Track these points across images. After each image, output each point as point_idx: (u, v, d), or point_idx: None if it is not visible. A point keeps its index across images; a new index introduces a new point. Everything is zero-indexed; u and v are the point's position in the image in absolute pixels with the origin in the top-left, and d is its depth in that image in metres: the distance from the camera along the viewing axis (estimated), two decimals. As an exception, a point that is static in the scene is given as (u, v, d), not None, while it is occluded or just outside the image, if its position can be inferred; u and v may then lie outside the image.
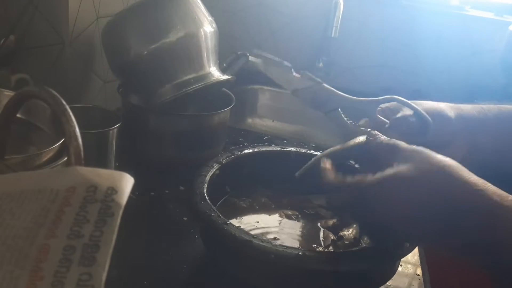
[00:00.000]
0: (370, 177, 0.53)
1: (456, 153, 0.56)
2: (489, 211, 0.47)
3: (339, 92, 0.65)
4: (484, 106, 0.65)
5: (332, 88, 0.65)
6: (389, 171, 0.52)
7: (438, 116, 0.63)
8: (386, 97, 0.64)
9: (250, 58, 0.69)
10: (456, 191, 0.49)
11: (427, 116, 0.61)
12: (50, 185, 0.33)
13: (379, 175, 0.52)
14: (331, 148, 0.60)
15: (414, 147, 0.53)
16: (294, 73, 0.67)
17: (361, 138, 0.59)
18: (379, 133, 0.58)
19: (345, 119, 0.64)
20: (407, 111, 0.63)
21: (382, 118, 0.64)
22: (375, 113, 0.63)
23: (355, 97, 0.65)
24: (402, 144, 0.55)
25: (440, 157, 0.51)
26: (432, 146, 0.53)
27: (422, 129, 0.61)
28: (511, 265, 0.47)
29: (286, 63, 0.67)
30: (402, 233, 0.54)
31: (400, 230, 0.53)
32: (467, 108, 0.65)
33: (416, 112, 0.61)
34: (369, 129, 0.60)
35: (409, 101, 0.62)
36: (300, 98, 0.66)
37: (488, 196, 0.47)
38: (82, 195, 0.32)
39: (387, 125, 0.62)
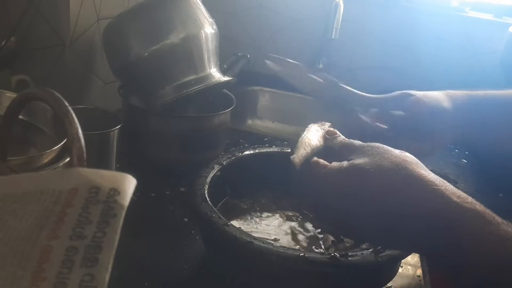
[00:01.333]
0: (328, 167, 0.51)
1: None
2: (448, 212, 0.44)
3: (355, 91, 0.65)
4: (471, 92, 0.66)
5: (349, 87, 0.65)
6: (346, 163, 0.50)
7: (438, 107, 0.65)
8: (398, 92, 0.65)
9: (267, 62, 0.69)
10: (411, 188, 0.46)
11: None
12: (52, 186, 0.34)
13: (336, 165, 0.51)
14: (302, 152, 0.57)
15: (371, 143, 0.52)
16: (311, 75, 0.67)
17: (315, 128, 0.59)
18: (337, 132, 0.57)
19: (364, 118, 0.64)
20: None
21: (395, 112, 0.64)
22: (390, 109, 0.64)
23: (371, 95, 0.66)
24: (358, 142, 0.54)
25: (397, 152, 0.49)
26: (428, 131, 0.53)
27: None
28: (468, 268, 0.44)
29: (302, 65, 0.67)
30: (351, 228, 0.52)
31: (349, 224, 0.51)
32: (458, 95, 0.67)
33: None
34: (329, 129, 0.59)
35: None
36: (318, 99, 0.66)
37: (448, 197, 0.45)
38: (85, 196, 0.32)
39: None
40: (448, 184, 0.47)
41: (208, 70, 0.87)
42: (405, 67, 1.43)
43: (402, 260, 0.68)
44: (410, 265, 0.72)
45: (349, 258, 0.57)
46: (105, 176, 0.33)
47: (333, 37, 1.35)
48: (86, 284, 0.28)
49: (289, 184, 0.70)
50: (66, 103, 0.36)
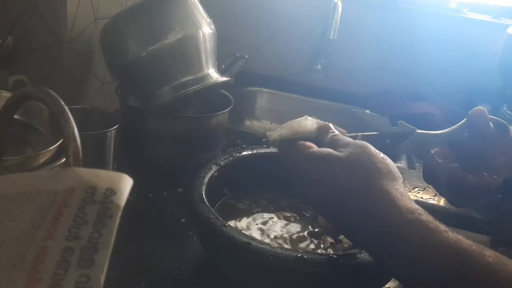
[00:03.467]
0: (311, 149, 0.55)
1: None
2: (393, 221, 0.47)
3: (431, 132, 0.66)
4: None
5: (426, 131, 0.66)
6: (326, 151, 0.54)
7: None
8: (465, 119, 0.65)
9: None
10: (366, 194, 0.49)
11: (502, 120, 0.63)
12: (48, 187, 0.33)
13: (317, 150, 0.55)
14: (281, 131, 0.61)
15: (358, 141, 0.55)
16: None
17: (309, 122, 0.61)
18: (332, 128, 0.60)
19: (438, 159, 0.65)
20: None
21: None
22: (462, 137, 0.64)
23: (444, 130, 0.66)
24: (347, 138, 0.57)
25: (377, 157, 0.52)
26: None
27: (500, 132, 0.63)
28: (413, 274, 0.47)
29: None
30: (320, 212, 0.58)
31: (318, 209, 0.57)
32: None
33: (491, 119, 0.63)
34: (324, 124, 0.61)
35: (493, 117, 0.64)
36: (398, 150, 0.67)
37: (397, 208, 0.48)
38: (81, 196, 0.32)
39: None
40: (406, 198, 0.49)
41: (206, 70, 0.87)
42: (404, 68, 1.43)
43: (401, 261, 0.68)
44: (408, 266, 0.72)
45: (347, 259, 0.57)
46: (102, 176, 0.33)
47: (331, 37, 1.35)
48: (82, 286, 0.28)
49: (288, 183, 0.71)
50: (62, 103, 0.36)
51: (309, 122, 0.61)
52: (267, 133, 0.62)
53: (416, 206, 0.48)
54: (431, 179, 0.65)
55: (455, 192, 0.62)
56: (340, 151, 0.53)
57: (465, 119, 0.64)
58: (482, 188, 0.61)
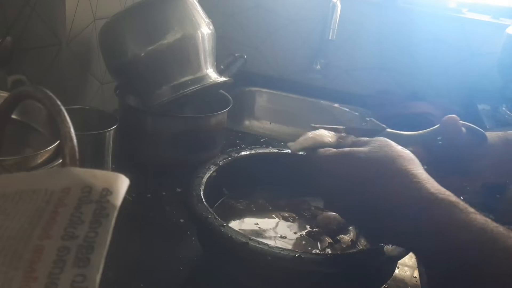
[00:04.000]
0: (330, 151, 0.57)
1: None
2: (422, 200, 0.48)
3: (401, 132, 0.67)
4: (491, 133, 0.67)
5: (396, 131, 0.67)
6: (346, 149, 0.57)
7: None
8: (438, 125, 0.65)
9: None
10: (394, 179, 0.51)
11: (480, 129, 0.64)
12: (45, 186, 0.33)
13: (337, 150, 0.57)
14: (301, 141, 0.64)
15: (378, 137, 0.57)
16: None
17: (326, 133, 0.64)
18: (349, 135, 0.63)
19: None
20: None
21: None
22: (435, 142, 0.65)
23: (416, 132, 0.67)
24: (366, 138, 0.59)
25: (398, 148, 0.54)
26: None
27: (475, 141, 0.64)
28: (442, 254, 0.47)
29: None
30: (337, 206, 0.59)
31: (336, 202, 0.57)
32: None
33: (468, 127, 0.64)
34: (342, 132, 0.64)
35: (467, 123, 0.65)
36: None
37: (425, 188, 0.49)
38: (77, 196, 0.32)
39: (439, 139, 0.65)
40: (431, 179, 0.51)
41: (205, 70, 0.87)
42: (403, 68, 1.43)
43: (399, 261, 0.68)
44: (407, 266, 0.72)
45: (345, 259, 0.57)
46: (98, 176, 0.33)
47: (330, 38, 1.35)
48: (78, 285, 0.28)
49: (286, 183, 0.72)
50: (59, 102, 0.36)
51: (327, 134, 0.64)
52: (288, 144, 0.65)
53: (445, 189, 0.49)
54: None
55: None
56: (359, 148, 0.55)
57: (438, 124, 0.65)
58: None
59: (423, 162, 0.60)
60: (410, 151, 0.57)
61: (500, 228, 0.45)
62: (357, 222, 0.62)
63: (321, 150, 0.59)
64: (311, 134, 0.64)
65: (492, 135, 0.67)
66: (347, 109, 0.70)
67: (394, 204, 0.50)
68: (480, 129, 0.64)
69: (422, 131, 0.66)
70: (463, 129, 0.63)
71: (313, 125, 0.66)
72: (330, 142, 0.62)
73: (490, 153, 0.64)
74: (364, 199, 0.53)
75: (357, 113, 0.65)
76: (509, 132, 0.68)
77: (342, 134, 0.64)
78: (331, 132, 0.64)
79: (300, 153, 0.64)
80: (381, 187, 0.51)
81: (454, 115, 0.64)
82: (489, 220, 0.46)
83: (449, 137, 0.63)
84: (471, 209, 0.47)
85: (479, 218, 0.46)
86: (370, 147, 0.55)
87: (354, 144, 0.59)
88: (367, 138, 0.58)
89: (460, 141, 0.63)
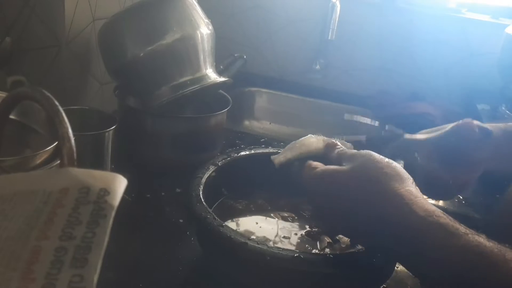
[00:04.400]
0: (316, 169, 0.56)
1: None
2: (412, 225, 0.47)
3: (418, 137, 0.68)
4: (492, 125, 0.68)
5: (413, 136, 0.68)
6: (329, 168, 0.56)
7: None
8: (451, 127, 0.66)
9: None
10: (380, 202, 0.50)
11: (488, 128, 0.65)
12: (42, 187, 0.33)
13: (321, 169, 0.56)
14: (286, 154, 0.65)
15: (362, 151, 0.56)
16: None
17: (312, 137, 0.63)
18: (338, 144, 0.62)
19: (418, 160, 0.66)
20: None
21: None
22: (449, 143, 0.66)
23: (430, 135, 0.67)
24: (352, 151, 0.59)
25: (383, 163, 0.53)
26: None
27: (482, 138, 0.65)
28: (440, 280, 0.47)
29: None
30: (331, 227, 0.60)
31: (329, 224, 0.58)
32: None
33: (480, 128, 0.65)
34: (330, 141, 0.64)
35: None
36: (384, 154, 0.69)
37: (414, 212, 0.48)
38: (75, 196, 0.32)
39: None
40: (420, 198, 0.49)
41: (204, 70, 0.87)
42: (402, 68, 1.43)
43: (398, 261, 0.68)
44: (406, 266, 0.72)
45: (345, 259, 0.57)
46: (96, 176, 0.33)
47: (330, 38, 1.35)
48: (75, 285, 0.28)
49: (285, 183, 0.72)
50: (57, 103, 0.36)
51: (314, 140, 0.63)
52: (272, 157, 0.65)
53: (433, 208, 0.48)
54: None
55: (429, 189, 0.63)
56: (345, 165, 0.55)
57: (451, 126, 0.65)
58: (457, 186, 0.64)
59: (432, 162, 0.60)
60: (419, 154, 0.57)
61: (495, 250, 0.44)
62: (350, 238, 0.63)
63: (307, 167, 0.58)
64: (297, 143, 0.63)
65: (493, 127, 0.67)
66: (367, 121, 0.71)
67: (385, 225, 0.49)
68: (488, 128, 0.65)
69: (437, 133, 0.67)
70: (477, 129, 0.64)
71: (335, 139, 0.65)
72: (317, 150, 0.61)
73: (491, 143, 0.65)
74: (354, 219, 0.52)
75: (376, 123, 0.65)
76: (509, 124, 0.68)
77: (333, 141, 0.63)
78: (319, 137, 0.64)
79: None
80: (367, 208, 0.51)
81: (469, 119, 0.64)
82: (482, 241, 0.45)
83: (464, 139, 0.64)
84: (462, 229, 0.46)
85: (472, 240, 0.45)
86: (353, 165, 0.54)
87: (339, 158, 0.58)
88: (352, 152, 0.58)
89: (473, 142, 0.64)
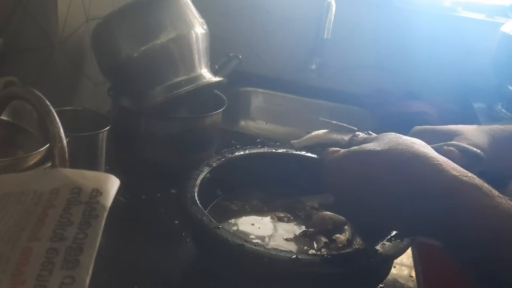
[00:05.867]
0: (338, 151, 0.55)
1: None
2: (446, 183, 0.47)
3: None
4: (491, 127, 0.67)
5: None
6: (354, 147, 0.54)
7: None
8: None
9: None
10: (413, 166, 0.49)
11: (477, 151, 0.62)
12: (33, 187, 0.33)
13: (345, 150, 0.55)
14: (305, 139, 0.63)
15: (384, 133, 0.55)
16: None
17: (336, 136, 0.63)
18: (360, 133, 0.61)
19: None
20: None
21: None
22: None
23: None
24: (375, 134, 0.57)
25: (406, 137, 0.53)
26: None
27: (473, 162, 0.62)
28: (470, 241, 0.46)
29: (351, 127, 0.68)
30: (357, 209, 0.55)
31: (355, 205, 0.54)
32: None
33: (466, 150, 0.62)
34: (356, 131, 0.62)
35: (460, 144, 0.62)
36: None
37: (447, 171, 0.48)
38: (66, 197, 0.32)
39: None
40: (450, 161, 0.49)
41: (199, 70, 0.87)
42: (398, 67, 1.43)
43: (396, 261, 0.68)
44: (404, 265, 0.72)
45: (342, 259, 0.57)
46: (88, 177, 0.33)
47: (325, 37, 1.35)
48: (67, 287, 0.27)
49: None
50: (48, 103, 0.35)
51: (334, 132, 0.63)
52: (292, 142, 0.65)
53: (466, 171, 0.48)
54: None
55: None
56: (369, 144, 0.54)
57: (437, 145, 0.64)
58: None
59: None
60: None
61: None
62: (375, 222, 0.58)
63: (330, 149, 0.57)
64: (313, 132, 0.63)
65: (497, 129, 0.66)
66: (344, 125, 0.70)
67: (417, 190, 0.48)
68: (477, 151, 0.61)
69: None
70: (461, 158, 0.61)
71: (321, 118, 0.64)
72: (339, 140, 0.61)
73: (483, 163, 0.64)
74: (383, 194, 0.50)
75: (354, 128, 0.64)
76: (509, 126, 0.68)
77: (356, 133, 0.62)
78: (340, 134, 0.63)
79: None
80: (401, 174, 0.49)
81: (453, 150, 0.61)
82: None
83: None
84: (496, 192, 0.46)
85: (505, 202, 0.45)
86: (379, 141, 0.53)
87: (364, 141, 0.57)
88: (375, 134, 0.57)
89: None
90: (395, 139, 0.53)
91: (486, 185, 0.46)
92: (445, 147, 0.60)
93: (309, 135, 0.63)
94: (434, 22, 1.38)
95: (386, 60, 1.44)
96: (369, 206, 0.53)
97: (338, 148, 0.57)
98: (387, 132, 0.56)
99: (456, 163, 0.55)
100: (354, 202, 0.54)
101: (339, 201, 0.57)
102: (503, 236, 0.44)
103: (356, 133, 0.61)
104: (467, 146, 0.61)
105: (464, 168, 0.54)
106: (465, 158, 0.60)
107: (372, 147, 0.52)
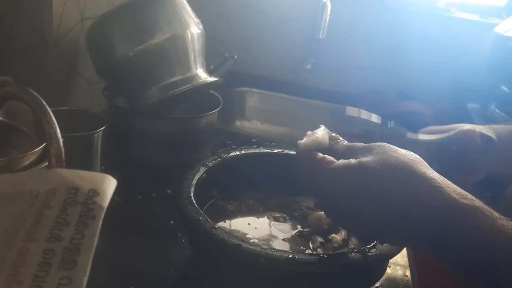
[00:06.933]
0: (335, 163, 0.53)
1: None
2: (447, 207, 0.46)
3: (420, 138, 0.66)
4: (495, 126, 0.67)
5: (415, 136, 0.66)
6: (353, 161, 0.52)
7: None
8: (454, 128, 0.65)
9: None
10: (415, 186, 0.48)
11: (491, 137, 0.63)
12: (29, 188, 0.33)
13: (344, 162, 0.53)
14: (309, 141, 0.59)
15: (377, 142, 0.54)
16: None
17: (320, 132, 0.60)
18: (340, 138, 0.59)
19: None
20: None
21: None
22: (450, 148, 0.64)
23: (433, 137, 0.66)
24: (361, 143, 0.55)
25: (403, 151, 0.52)
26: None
27: (485, 146, 0.63)
28: (472, 265, 0.46)
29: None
30: (357, 225, 0.54)
31: (356, 221, 0.53)
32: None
33: (483, 136, 0.63)
34: (332, 134, 0.60)
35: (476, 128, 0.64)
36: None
37: (448, 194, 0.47)
38: (63, 197, 0.31)
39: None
40: (449, 182, 0.49)
41: (194, 70, 0.86)
42: (393, 67, 1.44)
43: (391, 261, 0.68)
44: (399, 265, 0.72)
45: (337, 259, 0.57)
46: (84, 177, 0.32)
47: (321, 37, 1.35)
48: (64, 288, 0.27)
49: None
50: (44, 103, 0.35)
51: (326, 133, 0.60)
52: (298, 143, 0.59)
53: (466, 192, 0.48)
54: None
55: None
56: (365, 156, 0.52)
57: (455, 132, 0.64)
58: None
59: (433, 161, 0.59)
60: (417, 153, 0.56)
61: None
62: (378, 238, 0.58)
63: (321, 161, 0.54)
64: (315, 133, 0.60)
65: (502, 128, 0.66)
66: (373, 118, 0.69)
67: (417, 210, 0.48)
68: (491, 136, 0.63)
69: (440, 136, 0.66)
70: (479, 140, 0.63)
71: (349, 108, 0.62)
72: (325, 146, 0.58)
73: (495, 150, 0.64)
74: (381, 212, 0.49)
75: (378, 119, 0.63)
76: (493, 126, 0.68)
77: (333, 134, 0.60)
78: (326, 133, 0.60)
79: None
80: (401, 194, 0.48)
81: (473, 129, 0.62)
82: None
83: (465, 147, 0.63)
84: (496, 214, 0.45)
85: (506, 224, 0.44)
86: (376, 154, 0.51)
87: (349, 150, 0.55)
88: (363, 144, 0.55)
89: (474, 150, 0.63)
90: (392, 153, 0.51)
91: (486, 207, 0.46)
92: (466, 127, 0.60)
93: (315, 137, 0.60)
94: (428, 23, 1.39)
95: (381, 61, 1.45)
96: (364, 222, 0.52)
97: (331, 158, 0.54)
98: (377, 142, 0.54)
99: (474, 146, 0.55)
100: (350, 214, 0.53)
101: (335, 216, 0.56)
102: (506, 258, 0.43)
103: (334, 135, 0.59)
104: (482, 130, 0.62)
105: (479, 152, 0.54)
106: (482, 141, 0.61)
107: (372, 164, 0.50)
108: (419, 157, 0.52)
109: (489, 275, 0.45)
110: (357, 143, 0.57)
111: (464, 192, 0.47)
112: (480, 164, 0.64)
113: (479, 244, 0.45)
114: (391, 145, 0.53)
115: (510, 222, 0.45)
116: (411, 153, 0.52)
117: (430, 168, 0.50)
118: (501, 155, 0.65)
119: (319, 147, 0.57)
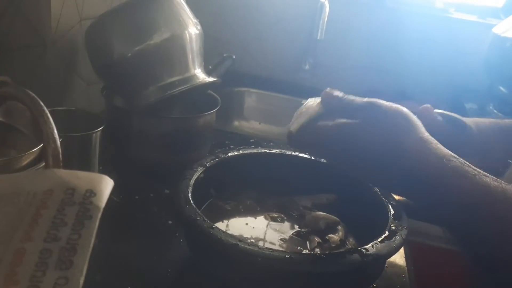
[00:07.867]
0: (329, 123, 0.56)
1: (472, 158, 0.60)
2: (430, 167, 0.50)
3: None
4: (477, 119, 0.68)
5: None
6: (342, 120, 0.55)
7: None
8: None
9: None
10: (403, 148, 0.51)
11: (458, 118, 0.64)
12: (27, 188, 0.33)
13: (335, 122, 0.56)
14: (306, 119, 0.62)
15: (366, 99, 0.56)
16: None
17: (311, 100, 0.63)
18: (334, 92, 0.60)
19: None
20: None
21: None
22: None
23: None
24: (354, 100, 0.57)
25: (390, 110, 0.54)
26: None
27: (455, 130, 0.64)
28: (447, 217, 0.50)
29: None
30: (355, 167, 0.57)
31: (353, 163, 0.56)
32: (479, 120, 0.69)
33: (445, 116, 0.64)
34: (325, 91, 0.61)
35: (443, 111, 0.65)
36: None
37: (437, 156, 0.50)
38: (60, 197, 0.32)
39: None
40: (436, 143, 0.52)
41: (193, 70, 0.86)
42: (391, 67, 1.44)
43: (388, 260, 0.68)
44: (396, 265, 0.72)
45: (335, 259, 0.57)
46: (81, 177, 0.33)
47: (319, 37, 1.35)
48: (60, 288, 0.27)
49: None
50: (41, 103, 0.35)
51: (314, 101, 0.62)
52: (288, 131, 0.63)
53: (446, 151, 0.51)
54: None
55: None
56: (356, 119, 0.54)
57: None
58: None
59: None
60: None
61: (498, 189, 0.47)
62: (370, 179, 0.62)
63: (316, 125, 0.58)
64: (303, 109, 0.62)
65: (484, 122, 0.66)
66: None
67: (408, 176, 0.51)
68: (459, 118, 0.63)
69: None
70: (439, 117, 0.63)
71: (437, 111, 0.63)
72: (319, 113, 0.60)
73: (476, 141, 0.64)
74: (377, 169, 0.53)
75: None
76: (505, 120, 0.68)
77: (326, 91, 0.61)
78: (317, 98, 0.62)
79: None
80: (392, 160, 0.52)
81: (428, 105, 0.63)
82: (488, 181, 0.48)
83: (425, 122, 0.63)
84: (471, 171, 0.49)
85: (479, 180, 0.48)
86: (364, 118, 0.54)
87: (345, 108, 0.57)
88: (357, 101, 0.56)
89: (437, 130, 0.62)
90: (379, 115, 0.54)
91: (462, 165, 0.49)
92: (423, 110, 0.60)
93: (296, 116, 0.62)
94: (426, 23, 1.39)
95: (379, 61, 1.45)
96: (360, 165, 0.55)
97: (324, 123, 0.57)
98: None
99: (439, 127, 0.59)
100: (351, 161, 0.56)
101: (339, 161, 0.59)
102: (478, 214, 0.47)
103: (326, 92, 0.60)
104: (448, 112, 0.62)
105: (450, 137, 0.56)
106: (446, 124, 0.63)
107: (357, 126, 0.54)
108: (410, 116, 0.55)
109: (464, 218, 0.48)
110: (352, 100, 0.58)
111: (445, 152, 0.51)
112: (458, 151, 0.65)
113: (454, 200, 0.49)
114: (381, 103, 0.55)
115: (483, 178, 0.48)
116: (404, 112, 0.55)
117: (420, 128, 0.54)
118: (482, 147, 0.65)
119: (312, 118, 0.59)
